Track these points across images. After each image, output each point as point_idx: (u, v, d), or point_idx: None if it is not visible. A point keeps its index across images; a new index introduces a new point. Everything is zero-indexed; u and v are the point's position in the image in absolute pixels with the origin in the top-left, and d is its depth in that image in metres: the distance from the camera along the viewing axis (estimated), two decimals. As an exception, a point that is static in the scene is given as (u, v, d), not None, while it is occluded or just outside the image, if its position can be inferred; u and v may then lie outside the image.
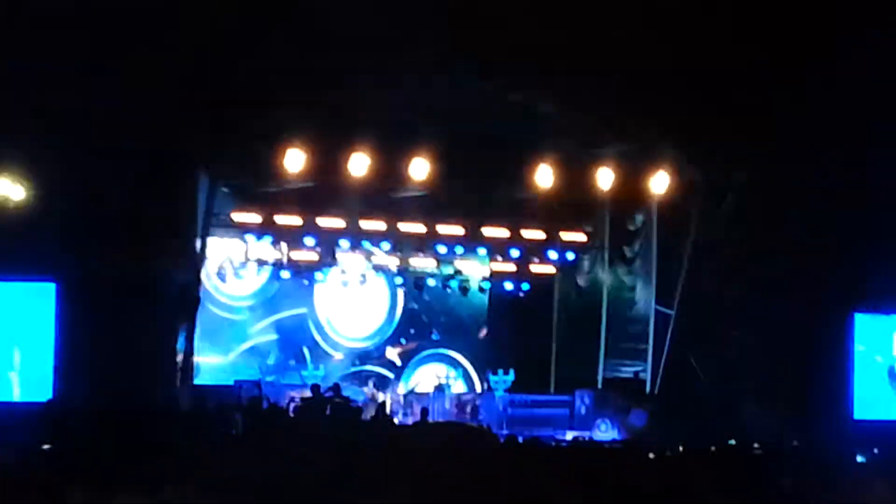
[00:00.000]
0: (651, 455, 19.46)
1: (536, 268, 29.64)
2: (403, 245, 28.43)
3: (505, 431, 23.99)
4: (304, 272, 28.26)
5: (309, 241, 27.51)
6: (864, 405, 26.57)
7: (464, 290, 29.55)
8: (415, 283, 29.29)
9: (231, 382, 25.66)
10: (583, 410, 27.20)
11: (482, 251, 29.05)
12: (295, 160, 24.82)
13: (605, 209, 28.53)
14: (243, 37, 22.53)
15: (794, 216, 25.89)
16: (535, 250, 29.26)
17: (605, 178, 26.71)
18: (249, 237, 27.14)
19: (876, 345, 27.01)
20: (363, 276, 28.74)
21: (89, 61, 21.74)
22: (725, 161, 25.89)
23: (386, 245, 28.12)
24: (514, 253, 29.16)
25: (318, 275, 28.43)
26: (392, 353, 29.99)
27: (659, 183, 26.93)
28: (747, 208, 26.48)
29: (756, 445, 21.63)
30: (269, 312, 28.71)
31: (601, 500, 15.92)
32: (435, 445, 17.66)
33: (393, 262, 28.83)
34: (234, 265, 27.65)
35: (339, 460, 15.95)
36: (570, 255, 29.25)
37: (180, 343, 23.64)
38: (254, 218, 26.92)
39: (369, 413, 24.22)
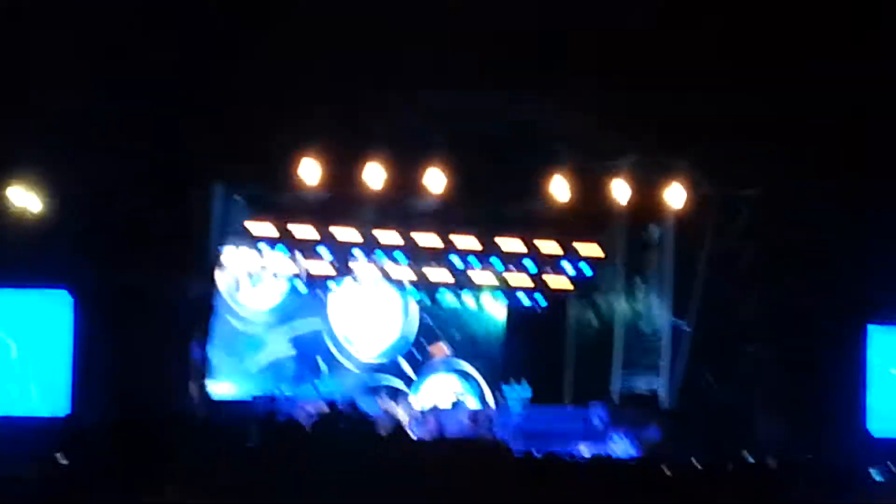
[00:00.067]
0: (667, 471, 19.39)
1: (552, 281, 29.51)
2: (418, 256, 28.40)
3: (520, 446, 23.91)
4: (318, 283, 28.19)
5: (323, 251, 27.50)
6: (879, 418, 26.51)
7: (477, 302, 29.47)
8: (429, 296, 29.23)
9: (247, 396, 25.64)
10: (598, 424, 27.12)
11: (497, 263, 28.98)
12: (310, 170, 24.81)
13: (620, 222, 28.38)
14: (259, 47, 22.57)
15: (809, 230, 25.84)
16: (549, 262, 29.16)
17: (620, 190, 26.63)
18: (263, 247, 27.08)
19: (891, 357, 26.95)
20: (377, 285, 28.67)
21: (104, 71, 21.79)
22: (740, 175, 25.84)
23: (400, 256, 28.09)
24: (529, 265, 29.09)
25: (331, 284, 28.37)
26: (406, 367, 29.96)
27: (675, 196, 26.85)
28: (762, 222, 26.44)
29: (770, 460, 21.58)
30: (286, 327, 28.65)
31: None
32: (451, 461, 17.67)
33: (407, 274, 28.78)
34: (249, 276, 27.61)
35: (356, 475, 15.95)
36: (585, 268, 29.18)
37: (196, 354, 23.65)
38: (268, 228, 26.90)
39: (385, 428, 24.16)
